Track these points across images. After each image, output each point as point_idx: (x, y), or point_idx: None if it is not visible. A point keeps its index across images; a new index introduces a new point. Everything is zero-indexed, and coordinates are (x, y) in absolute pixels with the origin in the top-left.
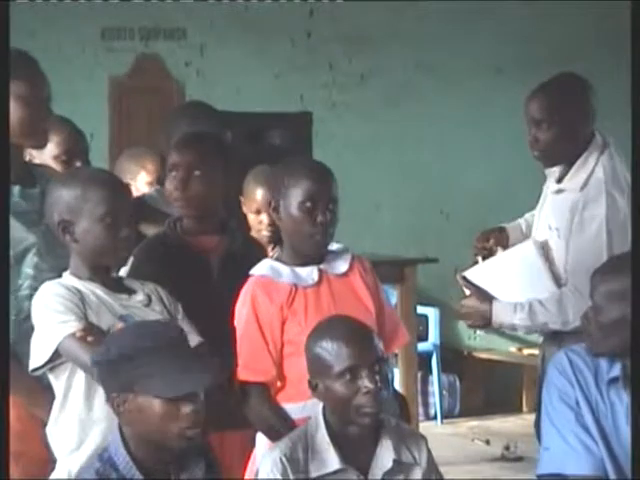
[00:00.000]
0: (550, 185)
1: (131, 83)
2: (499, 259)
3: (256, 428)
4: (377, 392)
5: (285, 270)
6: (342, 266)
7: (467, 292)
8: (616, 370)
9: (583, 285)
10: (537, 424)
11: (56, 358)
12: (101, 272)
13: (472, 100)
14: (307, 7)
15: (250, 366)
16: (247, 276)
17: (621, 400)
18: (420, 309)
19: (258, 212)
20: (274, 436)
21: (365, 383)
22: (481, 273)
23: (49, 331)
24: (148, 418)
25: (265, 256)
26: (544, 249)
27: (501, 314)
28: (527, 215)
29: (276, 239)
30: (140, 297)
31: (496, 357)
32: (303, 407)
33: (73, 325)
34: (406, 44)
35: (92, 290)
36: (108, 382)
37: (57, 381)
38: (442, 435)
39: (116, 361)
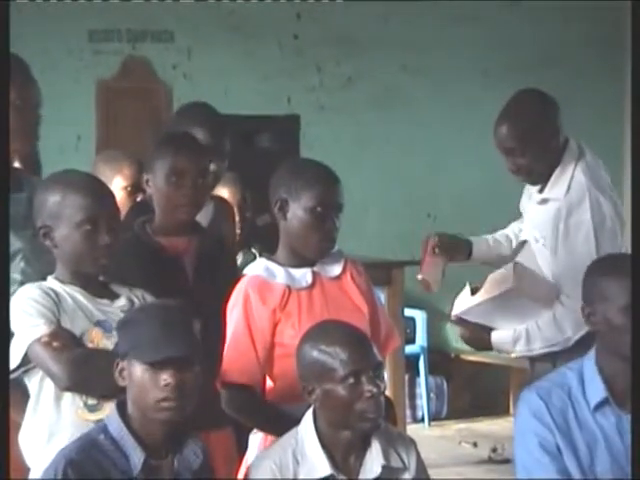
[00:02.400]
0: (533, 196)
1: (118, 85)
2: (487, 300)
3: (249, 427)
4: (379, 397)
5: (279, 271)
6: (336, 269)
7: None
8: (599, 393)
9: (576, 295)
10: None
11: (28, 362)
12: (83, 277)
13: (459, 103)
14: (294, 10)
15: (235, 368)
16: (222, 276)
17: (609, 420)
18: (407, 312)
19: None
20: (271, 433)
21: (368, 387)
22: (474, 312)
23: (20, 335)
24: (134, 386)
25: (234, 256)
26: (525, 285)
27: (501, 345)
28: (497, 234)
29: (244, 239)
30: (122, 302)
31: (483, 359)
32: (292, 409)
33: (41, 329)
34: (393, 47)
35: (71, 294)
36: (115, 349)
37: (30, 384)
38: (429, 438)
39: (119, 327)
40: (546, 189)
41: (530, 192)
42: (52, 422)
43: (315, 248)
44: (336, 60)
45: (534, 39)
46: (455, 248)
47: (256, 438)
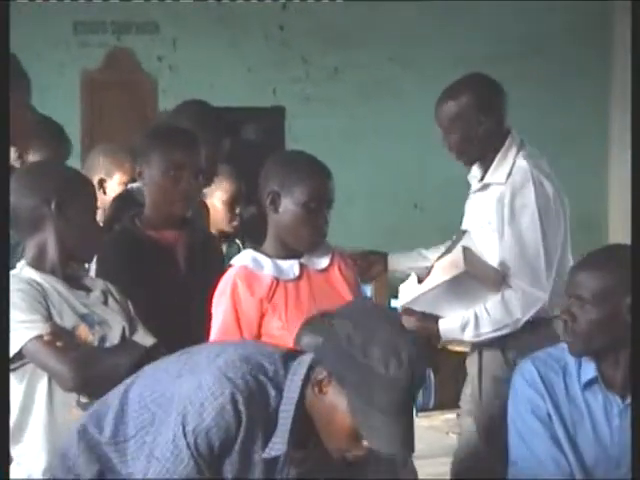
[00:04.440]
0: (474, 186)
1: (103, 77)
2: (438, 287)
3: None
4: None
5: (267, 262)
6: (323, 261)
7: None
8: (590, 372)
9: (523, 276)
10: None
11: (16, 360)
12: (65, 265)
13: None
14: (280, 1)
15: None
16: (213, 267)
17: (597, 400)
18: (393, 303)
19: (231, 204)
20: None
21: None
22: (422, 300)
23: (12, 331)
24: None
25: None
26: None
27: (449, 333)
28: (432, 248)
29: (243, 231)
30: (97, 294)
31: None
32: None
33: (39, 327)
34: (380, 38)
35: (53, 285)
36: None
37: (19, 384)
38: (418, 428)
39: None
40: (487, 175)
41: (472, 186)
42: (45, 422)
43: (306, 242)
44: (322, 51)
45: (523, 31)
46: (366, 267)
47: None
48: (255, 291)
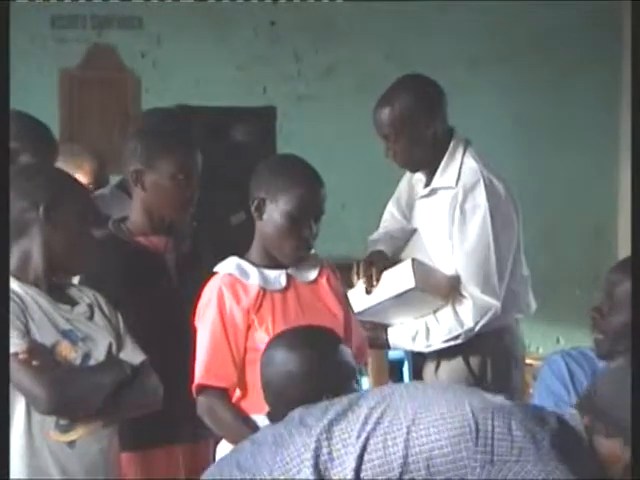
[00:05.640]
0: (418, 191)
1: (83, 75)
2: (387, 300)
3: (219, 436)
4: None
5: (252, 271)
6: (311, 274)
7: None
8: None
9: (474, 283)
10: None
11: None
12: (50, 275)
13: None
14: None
15: (211, 370)
16: (204, 275)
17: None
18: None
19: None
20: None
21: None
22: (371, 311)
23: None
24: None
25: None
26: (423, 281)
27: (399, 343)
28: (388, 230)
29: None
30: (83, 309)
31: None
32: (265, 418)
33: (15, 343)
34: (376, 34)
35: (35, 298)
36: None
37: None
38: None
39: None
40: (434, 179)
41: (409, 189)
42: (22, 444)
43: (288, 254)
44: (315, 48)
45: (523, 28)
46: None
47: (224, 450)
48: (241, 300)
